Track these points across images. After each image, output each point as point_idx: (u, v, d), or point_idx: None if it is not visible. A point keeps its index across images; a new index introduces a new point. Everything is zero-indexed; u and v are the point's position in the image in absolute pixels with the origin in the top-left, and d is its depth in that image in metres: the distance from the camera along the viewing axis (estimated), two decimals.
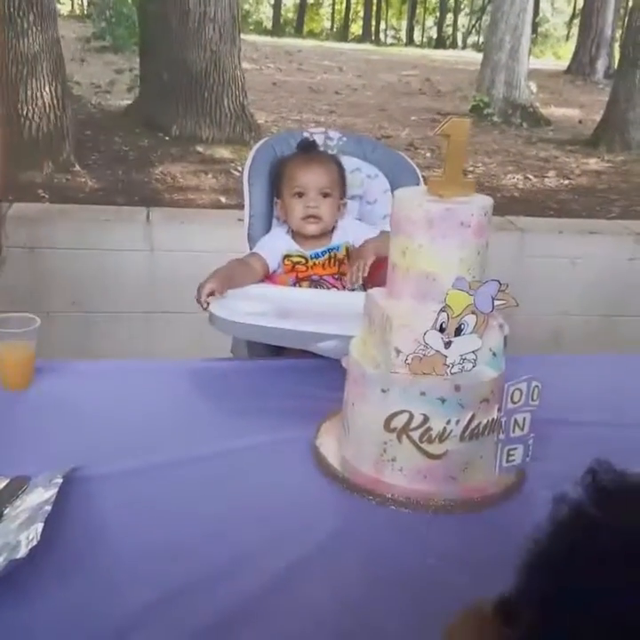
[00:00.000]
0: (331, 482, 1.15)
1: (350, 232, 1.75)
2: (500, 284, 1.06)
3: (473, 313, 1.06)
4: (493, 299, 1.07)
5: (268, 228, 1.82)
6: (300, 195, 1.71)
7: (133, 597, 0.90)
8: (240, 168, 4.40)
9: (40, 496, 1.02)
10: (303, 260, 1.72)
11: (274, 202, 1.81)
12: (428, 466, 1.10)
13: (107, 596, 0.91)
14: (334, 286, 1.70)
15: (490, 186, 4.77)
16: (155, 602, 0.90)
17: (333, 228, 1.76)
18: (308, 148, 1.79)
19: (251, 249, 1.77)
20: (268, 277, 1.72)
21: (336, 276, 1.71)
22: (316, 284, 1.70)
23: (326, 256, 1.72)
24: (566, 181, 5.16)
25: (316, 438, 1.24)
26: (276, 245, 1.74)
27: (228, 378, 1.49)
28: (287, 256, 1.72)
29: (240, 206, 1.99)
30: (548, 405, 1.11)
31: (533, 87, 7.77)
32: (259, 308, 1.48)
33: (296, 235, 1.75)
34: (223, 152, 4.93)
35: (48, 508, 0.98)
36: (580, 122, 7.39)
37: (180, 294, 2.59)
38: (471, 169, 5.09)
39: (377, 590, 0.96)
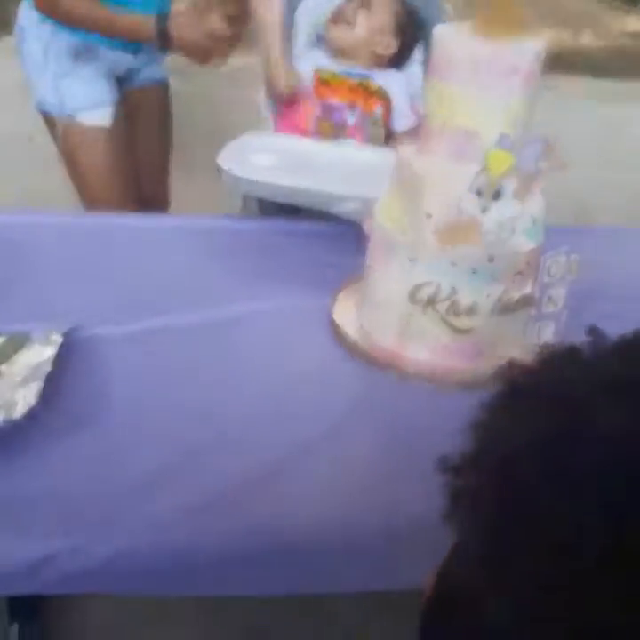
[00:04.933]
0: (348, 354, 1.09)
1: (397, 94, 1.58)
2: (548, 142, 0.95)
3: (515, 175, 0.95)
4: (539, 160, 0.95)
5: None
6: None
7: (137, 462, 0.87)
8: None
9: (39, 354, 0.96)
10: (331, 76, 1.55)
11: None
12: (454, 341, 1.03)
13: (109, 460, 0.87)
14: (354, 136, 1.55)
15: None
16: (159, 468, 0.86)
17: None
18: None
19: None
20: (289, 100, 1.56)
21: (363, 117, 1.55)
22: (338, 128, 1.54)
23: (358, 78, 1.56)
24: (602, 42, 4.81)
25: (332, 307, 1.16)
26: (310, 57, 1.58)
27: (241, 238, 1.39)
28: (318, 70, 1.55)
29: None
30: (585, 279, 1.02)
31: None
32: (275, 162, 1.36)
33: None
34: None
35: (48, 367, 0.93)
36: None
37: None
38: None
39: (394, 466, 0.92)
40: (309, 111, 1.55)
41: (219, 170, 1.31)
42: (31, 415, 0.85)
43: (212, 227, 1.43)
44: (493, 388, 0.46)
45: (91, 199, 1.66)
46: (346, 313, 1.15)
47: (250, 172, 1.30)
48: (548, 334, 1.06)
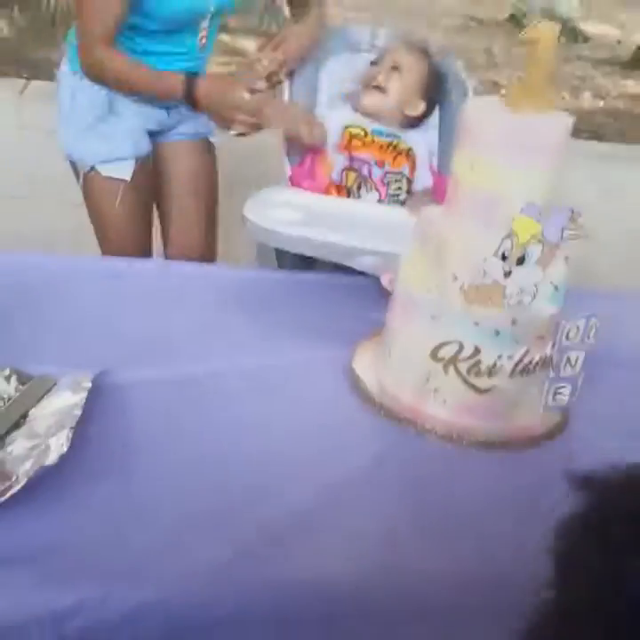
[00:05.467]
0: (367, 408, 1.10)
1: (421, 153, 1.62)
2: (573, 213, 0.98)
3: (539, 242, 0.98)
4: (563, 229, 0.98)
5: None
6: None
7: (165, 513, 0.87)
8: None
9: (67, 399, 0.96)
10: (362, 134, 1.59)
11: None
12: (474, 400, 1.04)
13: (135, 510, 0.87)
14: (379, 190, 1.58)
15: None
16: (185, 518, 0.87)
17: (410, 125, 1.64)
18: None
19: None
20: (314, 151, 1.60)
21: (388, 173, 1.59)
22: (363, 179, 1.58)
23: (389, 139, 1.59)
24: (602, 103, 4.93)
25: (352, 361, 1.18)
26: (339, 114, 1.62)
27: (259, 289, 1.41)
28: (348, 126, 1.59)
29: None
30: (605, 344, 1.04)
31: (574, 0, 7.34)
32: (298, 215, 1.39)
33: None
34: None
35: (77, 412, 0.93)
36: (619, 42, 7.00)
37: None
38: (505, 83, 4.85)
39: (412, 522, 0.92)
40: (333, 162, 1.58)
41: (243, 220, 1.34)
42: (61, 461, 0.85)
43: (230, 277, 1.45)
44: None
45: (107, 247, 1.68)
46: (364, 367, 1.16)
47: (274, 224, 1.32)
48: (565, 397, 1.08)
